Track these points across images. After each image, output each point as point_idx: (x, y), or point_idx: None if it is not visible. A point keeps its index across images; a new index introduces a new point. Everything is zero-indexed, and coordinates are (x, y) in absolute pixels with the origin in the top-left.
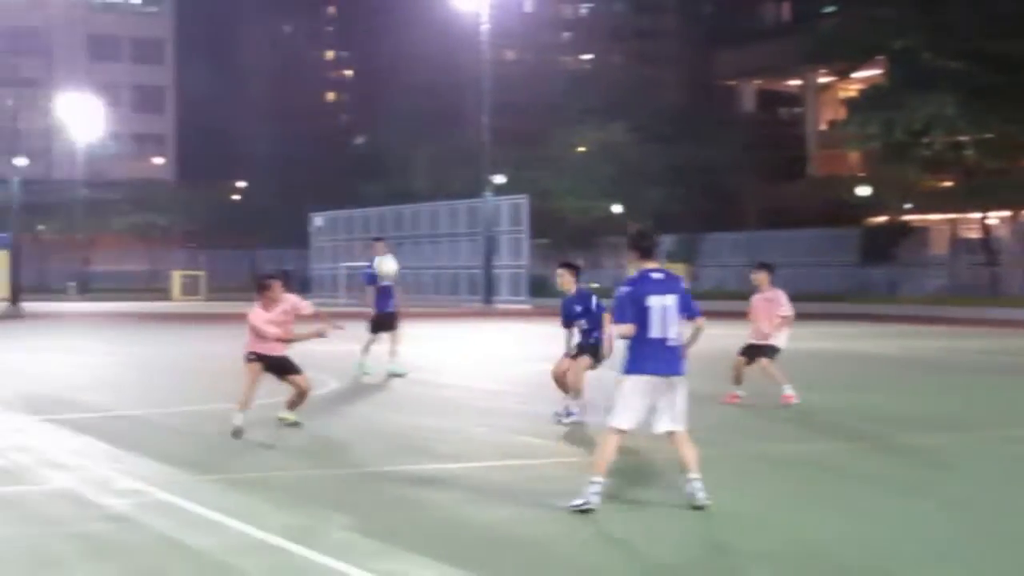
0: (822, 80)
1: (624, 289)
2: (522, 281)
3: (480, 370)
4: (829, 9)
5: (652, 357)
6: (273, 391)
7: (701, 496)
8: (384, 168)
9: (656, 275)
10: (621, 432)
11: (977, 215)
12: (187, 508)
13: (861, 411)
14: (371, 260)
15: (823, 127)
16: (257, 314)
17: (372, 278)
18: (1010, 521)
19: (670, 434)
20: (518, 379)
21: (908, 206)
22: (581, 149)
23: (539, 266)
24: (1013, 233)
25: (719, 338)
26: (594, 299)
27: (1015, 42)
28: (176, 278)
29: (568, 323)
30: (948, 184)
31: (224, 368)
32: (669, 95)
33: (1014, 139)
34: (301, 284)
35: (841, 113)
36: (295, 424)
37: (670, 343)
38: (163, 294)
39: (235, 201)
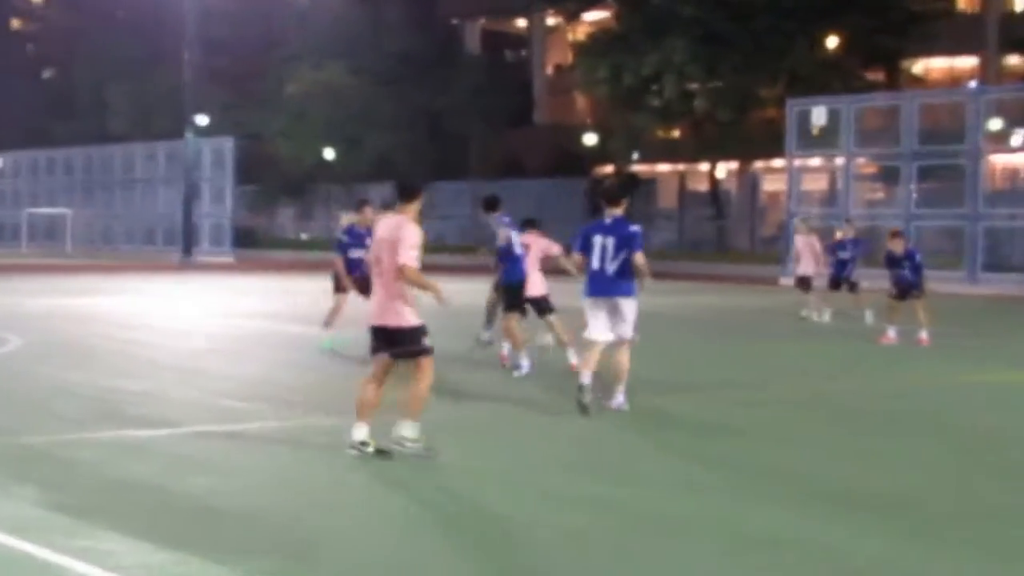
0: (550, 21)
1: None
2: (225, 231)
3: (180, 328)
4: None
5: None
6: None
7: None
8: (78, 106)
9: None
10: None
11: (706, 167)
12: None
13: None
14: (350, 227)
15: (550, 72)
16: None
17: (344, 248)
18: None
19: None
20: (222, 337)
21: (636, 156)
22: (297, 90)
23: (246, 216)
24: (740, 187)
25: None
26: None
27: None
28: None
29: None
30: (677, 134)
31: None
32: (393, 35)
33: (745, 89)
34: None
35: (570, 57)
36: None
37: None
38: None
39: None
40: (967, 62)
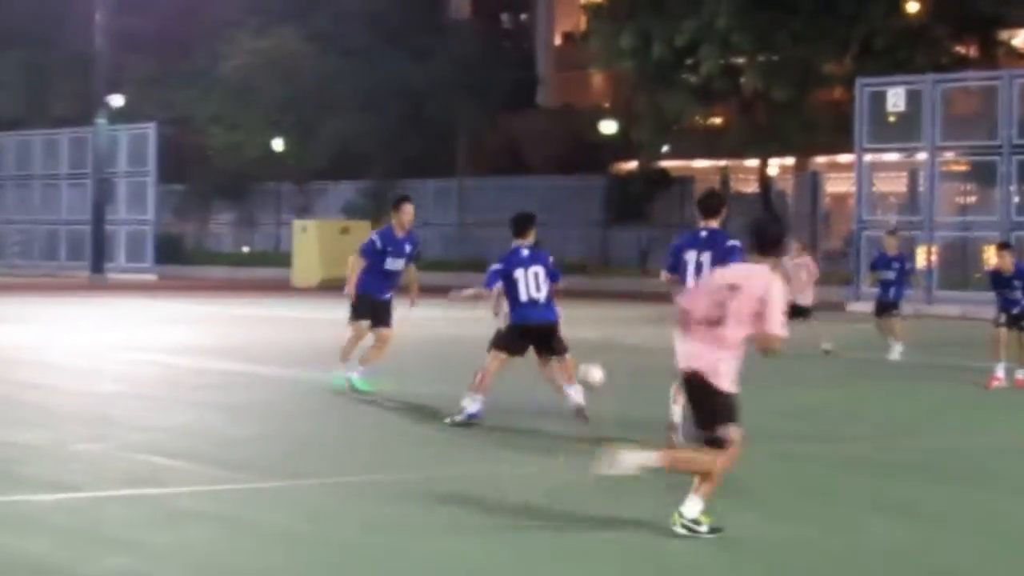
0: None
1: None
2: (146, 242)
3: (86, 365)
4: None
5: None
6: None
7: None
8: None
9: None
10: None
11: (755, 163)
12: None
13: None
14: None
15: (559, 41)
16: None
17: (380, 256)
18: None
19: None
20: (139, 377)
21: (667, 149)
22: (236, 63)
23: (172, 222)
24: (798, 187)
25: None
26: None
27: None
28: None
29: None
30: (719, 121)
31: None
32: None
33: (805, 64)
34: None
35: (583, 23)
36: None
37: None
38: None
39: None
40: None
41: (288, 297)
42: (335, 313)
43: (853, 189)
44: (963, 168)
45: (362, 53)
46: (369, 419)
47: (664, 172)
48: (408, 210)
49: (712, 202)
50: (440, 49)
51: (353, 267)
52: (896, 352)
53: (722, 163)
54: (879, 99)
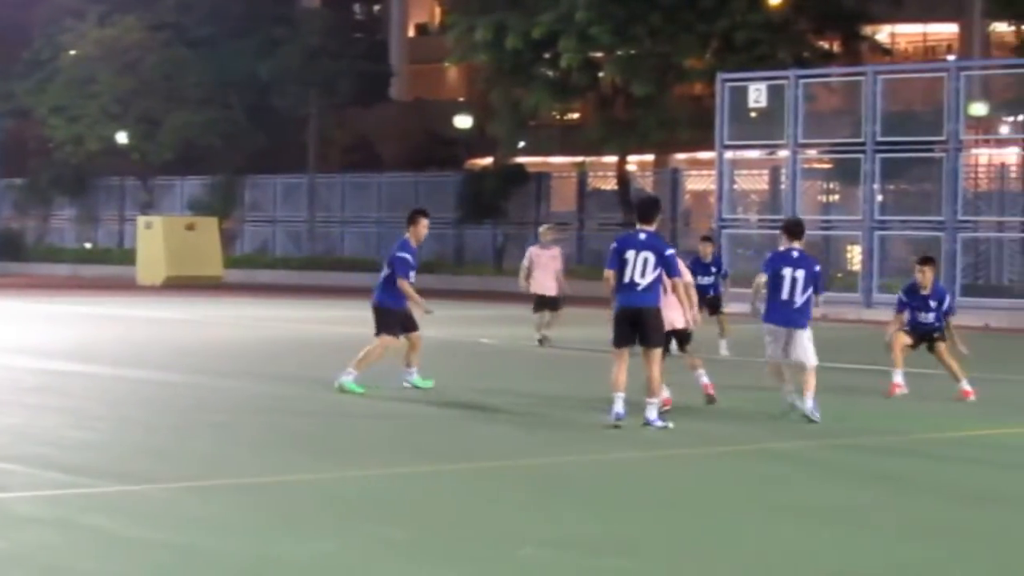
0: None
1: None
2: None
3: None
4: None
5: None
6: None
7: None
8: None
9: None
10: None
11: (613, 159)
12: None
13: None
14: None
15: (412, 33)
16: None
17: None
18: None
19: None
20: None
21: (523, 144)
22: (74, 53)
23: (11, 218)
24: (657, 185)
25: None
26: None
27: None
28: None
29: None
30: (577, 116)
31: None
32: None
33: (665, 59)
34: None
35: (437, 15)
36: None
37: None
38: None
39: None
40: (944, 29)
41: (132, 295)
42: (180, 312)
43: (714, 187)
44: (826, 166)
45: (208, 44)
46: (205, 423)
47: (520, 168)
48: (425, 224)
49: (650, 208)
50: (289, 40)
51: (408, 289)
52: (723, 348)
53: (580, 159)
54: (740, 95)
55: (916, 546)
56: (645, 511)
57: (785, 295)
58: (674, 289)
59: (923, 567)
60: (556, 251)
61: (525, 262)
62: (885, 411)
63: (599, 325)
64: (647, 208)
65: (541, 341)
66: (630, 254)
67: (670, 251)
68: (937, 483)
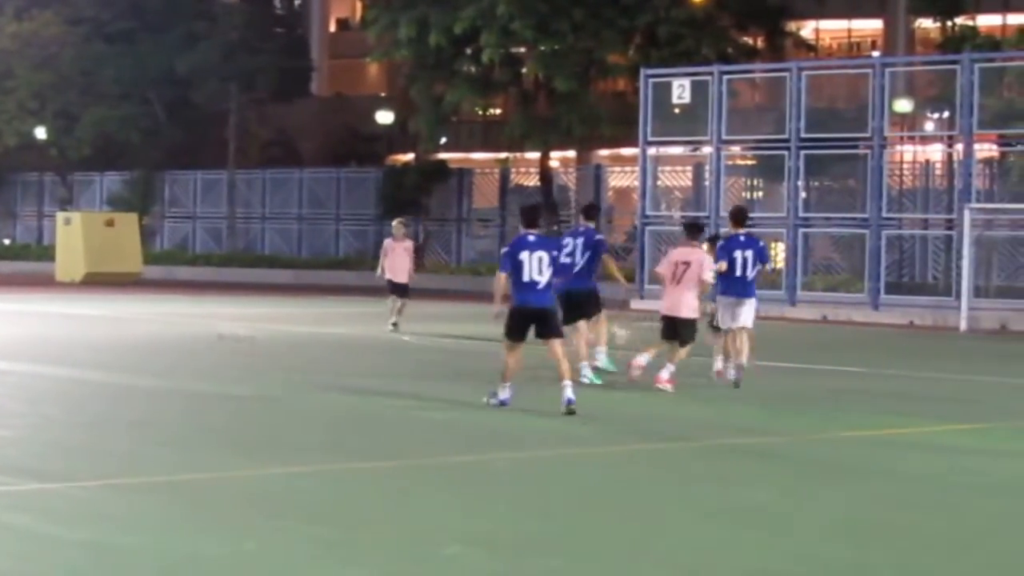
0: None
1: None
2: None
3: None
4: None
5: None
6: None
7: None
8: None
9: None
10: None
11: (536, 155)
12: None
13: None
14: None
15: (333, 28)
16: None
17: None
18: None
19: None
20: None
21: (444, 140)
22: None
23: None
24: (580, 181)
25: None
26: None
27: None
28: None
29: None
30: (499, 112)
31: None
32: None
33: (587, 54)
34: None
35: (359, 10)
36: None
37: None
38: None
39: None
40: (868, 25)
41: (51, 292)
42: (99, 309)
43: (637, 183)
44: (750, 162)
45: (126, 39)
46: (123, 421)
47: (442, 164)
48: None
49: (534, 213)
50: (208, 35)
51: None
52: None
53: (502, 155)
54: (664, 90)
55: (839, 547)
56: (571, 509)
57: (739, 272)
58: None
59: (845, 568)
60: (408, 244)
61: (382, 253)
62: (813, 410)
63: None
64: (532, 213)
65: (395, 326)
66: (524, 255)
67: (556, 251)
68: (863, 481)
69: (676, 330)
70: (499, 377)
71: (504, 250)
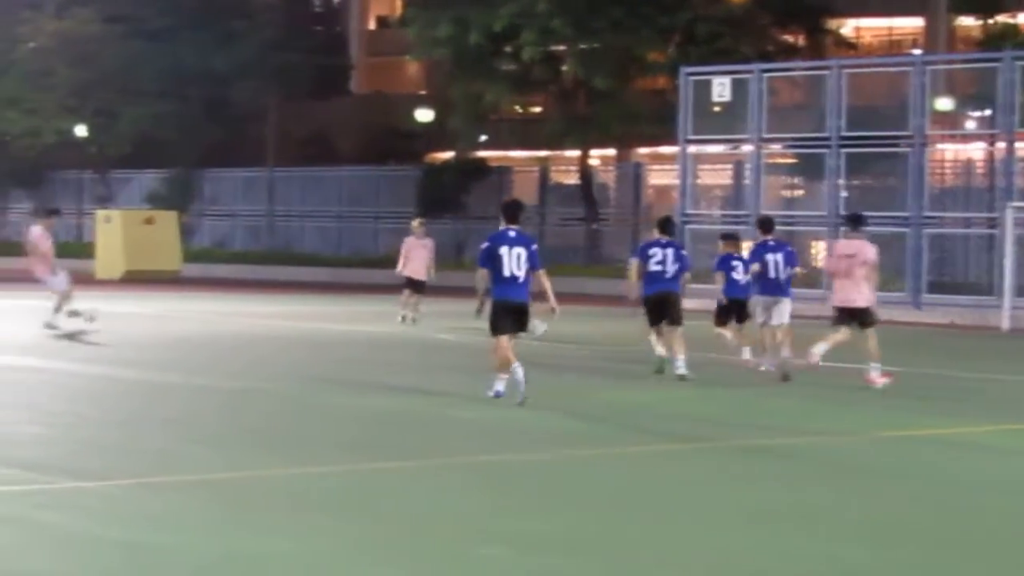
0: None
1: None
2: None
3: None
4: None
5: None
6: None
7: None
8: None
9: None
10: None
11: (575, 154)
12: None
13: None
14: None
15: (372, 26)
16: None
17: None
18: None
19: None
20: None
21: (483, 138)
22: (32, 45)
23: None
24: (619, 179)
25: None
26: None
27: None
28: None
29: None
30: (538, 111)
31: None
32: None
33: (627, 52)
34: None
35: (398, 8)
36: None
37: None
38: None
39: None
40: (909, 23)
41: (90, 289)
42: (138, 306)
43: (676, 181)
44: (789, 161)
45: (165, 36)
46: (160, 419)
47: (481, 162)
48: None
49: (515, 209)
50: (246, 33)
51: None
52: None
53: (541, 153)
54: (703, 88)
55: (862, 547)
56: (605, 509)
57: (772, 274)
58: (539, 279)
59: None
60: (428, 241)
61: (402, 250)
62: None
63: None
64: (513, 209)
65: (403, 319)
66: (503, 250)
67: (535, 246)
68: (895, 482)
69: (854, 319)
70: (496, 370)
71: (483, 245)
